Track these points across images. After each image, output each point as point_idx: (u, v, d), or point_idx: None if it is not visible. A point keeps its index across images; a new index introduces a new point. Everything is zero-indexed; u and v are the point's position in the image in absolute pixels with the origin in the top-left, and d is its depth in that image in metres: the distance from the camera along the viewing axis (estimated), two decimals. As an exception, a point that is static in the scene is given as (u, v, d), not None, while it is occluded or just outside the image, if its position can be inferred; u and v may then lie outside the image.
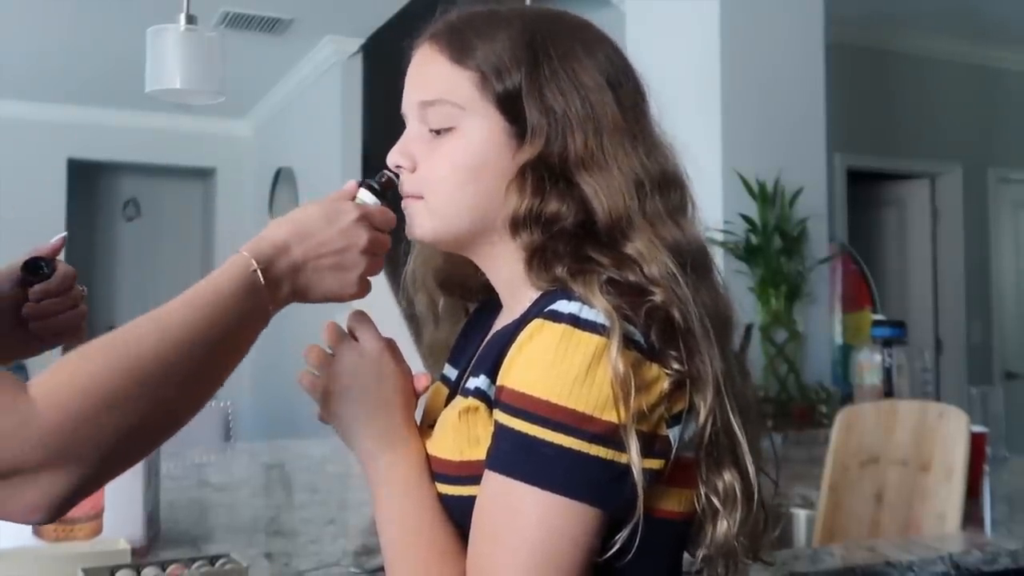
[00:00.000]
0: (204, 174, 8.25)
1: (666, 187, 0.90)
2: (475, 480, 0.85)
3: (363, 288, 0.94)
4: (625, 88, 0.92)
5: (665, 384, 0.82)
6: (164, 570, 1.36)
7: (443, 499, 0.90)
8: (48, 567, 1.40)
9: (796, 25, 3.55)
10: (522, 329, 0.85)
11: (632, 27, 3.74)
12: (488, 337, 0.96)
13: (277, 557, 1.60)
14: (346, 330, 0.96)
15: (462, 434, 0.89)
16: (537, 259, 0.88)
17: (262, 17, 5.27)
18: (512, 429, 0.81)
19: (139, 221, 8.51)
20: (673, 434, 0.84)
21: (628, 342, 0.81)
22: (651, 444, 0.82)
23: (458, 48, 0.92)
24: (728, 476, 0.86)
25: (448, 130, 0.92)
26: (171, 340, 0.82)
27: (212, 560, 1.39)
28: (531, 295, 0.89)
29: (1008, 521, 1.90)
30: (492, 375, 0.87)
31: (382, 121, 6.77)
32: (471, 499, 0.85)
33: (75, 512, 1.51)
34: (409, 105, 0.97)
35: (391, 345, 0.96)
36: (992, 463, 2.24)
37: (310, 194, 6.49)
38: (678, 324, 0.84)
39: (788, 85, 3.50)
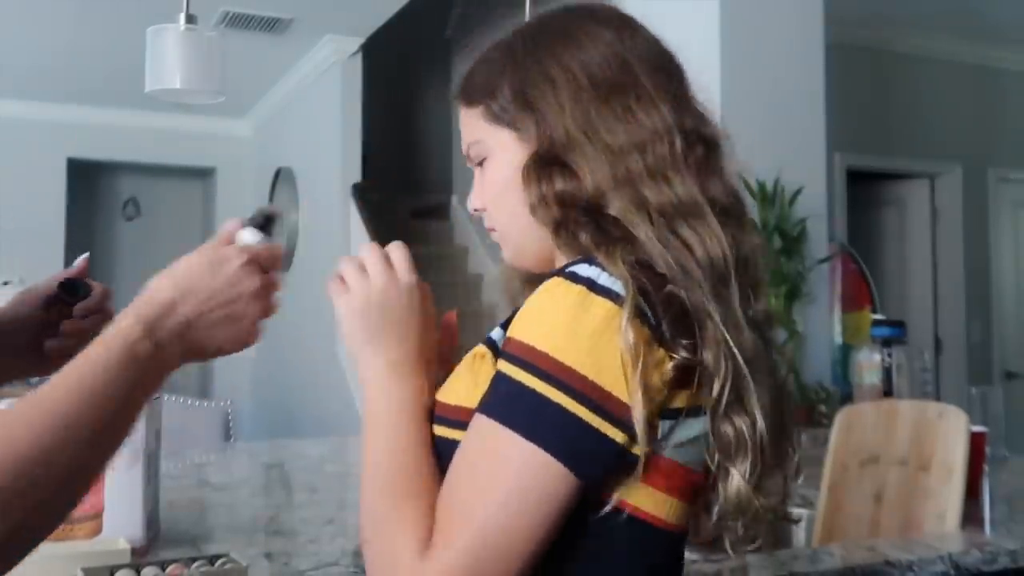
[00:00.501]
0: (204, 174, 8.26)
1: (651, 146, 0.91)
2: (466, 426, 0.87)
3: (258, 333, 0.93)
4: (606, 62, 0.94)
5: (668, 369, 0.83)
6: (164, 570, 1.35)
7: (435, 440, 0.91)
8: (47, 567, 1.40)
9: (796, 25, 3.55)
10: None
11: (632, 27, 3.73)
12: None
13: (277, 557, 1.60)
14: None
15: (467, 380, 0.90)
16: (564, 229, 0.91)
17: (262, 17, 5.27)
18: (509, 377, 0.83)
19: (139, 221, 8.51)
20: (663, 426, 0.84)
21: (641, 317, 0.82)
22: (650, 430, 0.82)
23: (467, 92, 1.00)
24: (738, 421, 0.86)
25: (483, 162, 0.99)
26: (53, 430, 0.75)
27: (212, 560, 1.39)
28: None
29: (1008, 521, 1.90)
30: (506, 327, 0.89)
31: (381, 121, 6.78)
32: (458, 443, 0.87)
33: (75, 512, 1.51)
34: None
35: (424, 286, 0.98)
36: (992, 463, 2.24)
37: (310, 194, 6.49)
38: (690, 310, 0.85)
39: (788, 85, 3.50)
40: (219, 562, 1.38)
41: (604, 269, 0.84)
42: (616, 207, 0.89)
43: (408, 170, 7.53)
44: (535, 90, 0.94)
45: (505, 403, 0.83)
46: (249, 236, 0.95)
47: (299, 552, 1.63)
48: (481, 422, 0.84)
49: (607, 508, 0.85)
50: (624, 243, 0.87)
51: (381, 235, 5.53)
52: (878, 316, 3.60)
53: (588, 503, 0.84)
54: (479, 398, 0.86)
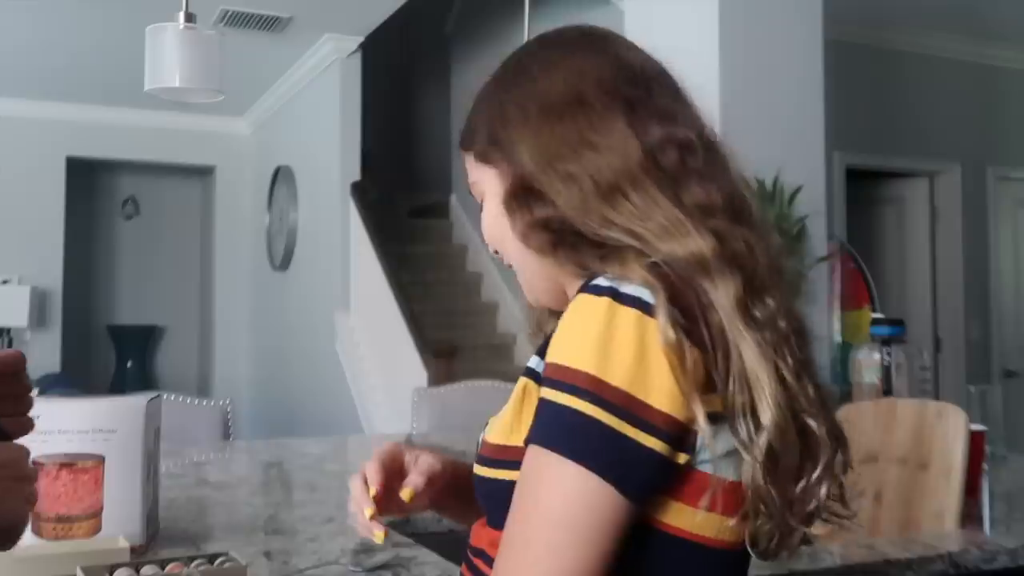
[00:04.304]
0: (203, 172, 8.25)
1: (609, 164, 0.90)
2: (514, 465, 0.87)
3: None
4: (555, 90, 0.95)
5: (701, 369, 0.82)
6: (163, 568, 1.35)
7: (481, 481, 0.93)
8: (47, 565, 1.40)
9: (795, 23, 3.55)
10: None
11: (631, 25, 3.74)
12: None
13: (276, 555, 1.59)
14: None
15: (511, 416, 0.91)
16: (560, 250, 0.92)
17: (261, 15, 5.27)
18: (549, 400, 0.83)
19: (138, 219, 8.52)
20: (705, 432, 0.82)
21: (672, 318, 0.81)
22: (683, 436, 0.81)
23: (463, 137, 1.04)
24: (747, 422, 0.84)
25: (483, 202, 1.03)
26: None
27: (211, 558, 1.39)
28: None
29: (1007, 519, 1.90)
30: (542, 354, 0.89)
31: (381, 119, 6.78)
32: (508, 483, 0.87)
33: (74, 510, 1.51)
34: None
35: None
36: (991, 461, 2.24)
37: (309, 192, 6.49)
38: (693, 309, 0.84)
39: (787, 83, 3.50)
40: (218, 560, 1.38)
41: (622, 278, 0.84)
42: (591, 228, 0.89)
43: (407, 168, 7.53)
44: (499, 128, 0.97)
45: (546, 427, 0.83)
46: None
47: (298, 551, 1.63)
48: (529, 452, 0.84)
49: (650, 530, 0.84)
50: (631, 251, 0.86)
51: (380, 233, 5.53)
52: (877, 315, 3.60)
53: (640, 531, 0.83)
54: (523, 433, 0.86)
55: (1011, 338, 5.87)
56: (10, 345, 7.10)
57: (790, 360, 0.85)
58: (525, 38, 2.72)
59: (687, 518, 0.84)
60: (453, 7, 7.00)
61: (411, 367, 4.81)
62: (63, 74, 6.46)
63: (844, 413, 2.16)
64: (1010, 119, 5.84)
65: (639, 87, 0.95)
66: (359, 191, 5.84)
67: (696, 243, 0.85)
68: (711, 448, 0.82)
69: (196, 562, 1.37)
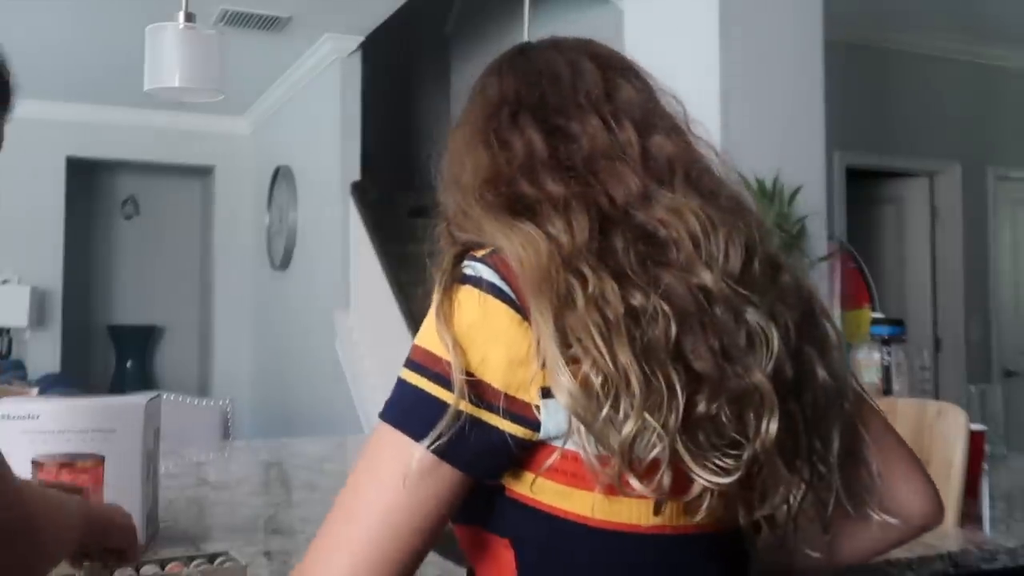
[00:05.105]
0: (203, 172, 8.26)
1: (478, 172, 0.98)
2: None
3: None
4: (470, 118, 1.03)
5: (528, 344, 0.82)
6: (163, 568, 1.35)
7: None
8: (47, 565, 1.40)
9: (795, 23, 3.55)
10: None
11: (631, 25, 3.74)
12: None
13: (276, 555, 1.59)
14: None
15: None
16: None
17: (261, 15, 5.27)
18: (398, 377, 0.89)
19: (138, 219, 8.52)
20: (548, 407, 0.82)
21: (494, 291, 0.84)
22: (521, 410, 0.82)
23: None
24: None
25: None
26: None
27: (211, 558, 1.39)
28: None
29: (1007, 519, 1.90)
30: None
31: (380, 119, 6.77)
32: None
33: (74, 510, 1.51)
34: None
35: None
36: (991, 461, 2.24)
37: (309, 192, 6.49)
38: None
39: (787, 82, 3.50)
40: (218, 560, 1.38)
41: (468, 265, 0.88)
42: (459, 236, 0.95)
43: (407, 168, 7.52)
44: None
45: (388, 400, 0.89)
46: None
47: (298, 550, 1.63)
48: None
49: (506, 496, 0.87)
50: (478, 245, 0.91)
51: (380, 233, 5.53)
52: (877, 314, 3.60)
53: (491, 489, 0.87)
54: None
55: (1011, 337, 5.87)
56: (10, 345, 7.10)
57: (595, 330, 0.79)
58: (525, 38, 2.72)
59: (550, 492, 0.85)
60: (453, 7, 6.99)
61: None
62: (63, 74, 6.46)
63: (844, 413, 2.15)
64: (1009, 119, 5.84)
65: (530, 96, 0.98)
66: (359, 191, 5.84)
67: (517, 235, 0.86)
68: (549, 423, 0.82)
69: (196, 562, 1.37)
